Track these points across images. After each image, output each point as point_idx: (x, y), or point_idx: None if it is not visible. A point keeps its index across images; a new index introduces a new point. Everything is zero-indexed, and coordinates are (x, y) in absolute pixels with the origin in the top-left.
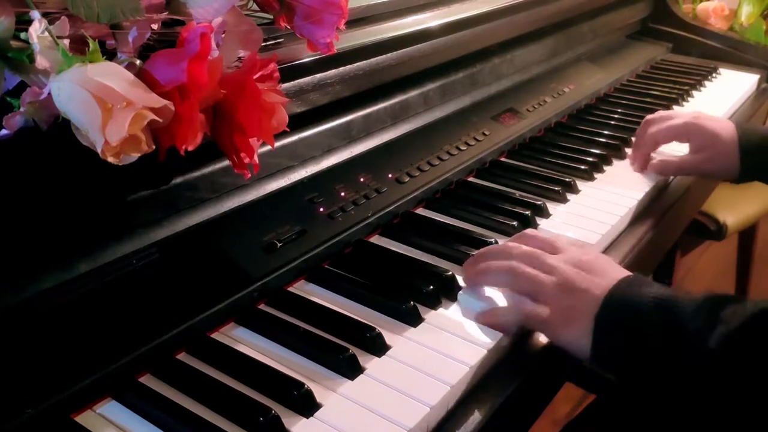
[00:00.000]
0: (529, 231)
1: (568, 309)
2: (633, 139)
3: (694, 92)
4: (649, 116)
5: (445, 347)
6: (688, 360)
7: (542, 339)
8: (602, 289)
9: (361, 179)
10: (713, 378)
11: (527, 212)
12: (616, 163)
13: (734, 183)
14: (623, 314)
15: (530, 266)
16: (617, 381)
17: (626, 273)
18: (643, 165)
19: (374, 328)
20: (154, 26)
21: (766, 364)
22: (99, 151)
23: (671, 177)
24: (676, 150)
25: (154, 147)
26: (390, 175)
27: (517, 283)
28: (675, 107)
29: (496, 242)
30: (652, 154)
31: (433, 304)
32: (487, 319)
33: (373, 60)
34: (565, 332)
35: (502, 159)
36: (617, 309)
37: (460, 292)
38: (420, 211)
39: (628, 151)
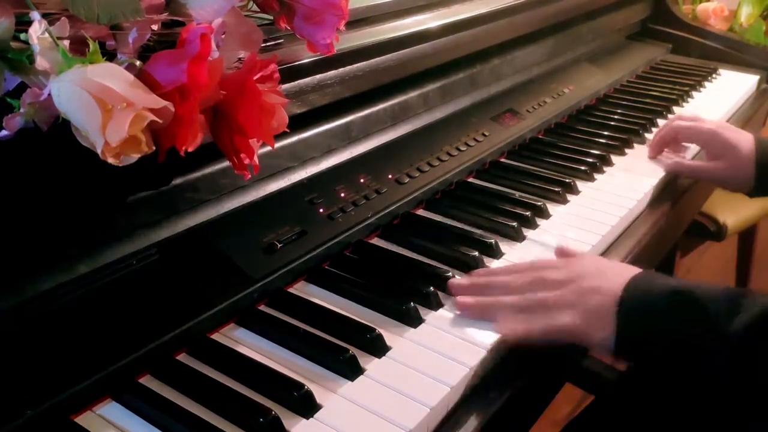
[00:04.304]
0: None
1: (588, 311)
2: (633, 139)
3: (694, 93)
4: (681, 114)
5: (445, 348)
6: (709, 344)
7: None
8: (618, 285)
9: (361, 180)
10: (733, 362)
11: (527, 213)
12: (617, 164)
13: (748, 196)
14: (643, 306)
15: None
16: (640, 368)
17: (634, 268)
18: (656, 152)
19: (374, 329)
20: (154, 27)
21: None
22: (99, 151)
23: (671, 177)
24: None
25: (154, 148)
26: (390, 176)
27: (529, 311)
28: (675, 108)
29: (496, 243)
30: (668, 153)
31: (433, 305)
32: (516, 332)
33: (372, 61)
34: (591, 334)
35: (502, 160)
36: (637, 302)
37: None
38: (420, 211)
39: (629, 151)
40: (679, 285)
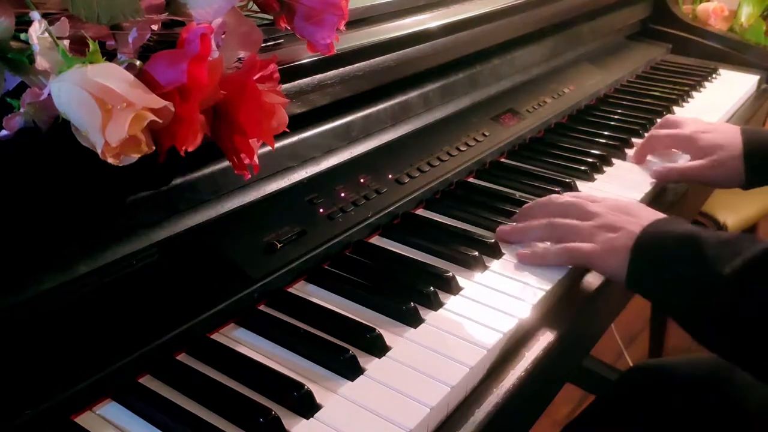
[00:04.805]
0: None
1: (608, 242)
2: (633, 139)
3: (694, 93)
4: (670, 116)
5: (445, 348)
6: (708, 284)
7: (541, 339)
8: (639, 226)
9: (361, 180)
10: (730, 300)
11: None
12: (616, 164)
13: (743, 189)
14: (655, 245)
15: (569, 217)
16: (652, 303)
17: (660, 215)
18: (638, 161)
19: (374, 329)
20: (154, 27)
21: None
22: (99, 151)
23: None
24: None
25: (154, 148)
26: (390, 176)
27: (556, 234)
28: (675, 108)
29: (497, 242)
30: (654, 159)
31: (434, 305)
32: (534, 258)
33: (373, 61)
34: (607, 263)
35: (502, 160)
36: (650, 241)
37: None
38: (420, 211)
39: (628, 152)
40: (690, 231)
